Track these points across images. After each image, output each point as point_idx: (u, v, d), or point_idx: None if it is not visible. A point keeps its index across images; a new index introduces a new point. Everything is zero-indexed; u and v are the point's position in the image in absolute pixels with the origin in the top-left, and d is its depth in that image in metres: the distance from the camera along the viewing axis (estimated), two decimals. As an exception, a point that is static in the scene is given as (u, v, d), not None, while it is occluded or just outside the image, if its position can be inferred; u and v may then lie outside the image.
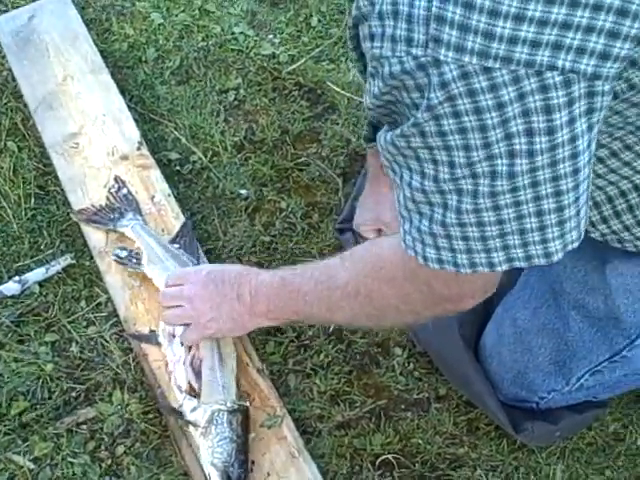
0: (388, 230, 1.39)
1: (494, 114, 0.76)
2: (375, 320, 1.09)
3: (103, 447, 1.24)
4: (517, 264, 0.86)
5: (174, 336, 1.26)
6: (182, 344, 1.24)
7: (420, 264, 0.89)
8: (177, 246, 1.39)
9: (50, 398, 1.28)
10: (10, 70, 1.65)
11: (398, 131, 0.82)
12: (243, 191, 1.56)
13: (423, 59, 0.75)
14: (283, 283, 1.13)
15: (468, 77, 0.74)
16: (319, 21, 1.86)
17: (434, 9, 0.74)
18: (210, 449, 1.15)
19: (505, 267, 0.86)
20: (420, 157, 0.82)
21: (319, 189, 1.56)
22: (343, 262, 1.06)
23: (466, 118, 0.76)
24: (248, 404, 1.21)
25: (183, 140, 1.61)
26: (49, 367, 1.31)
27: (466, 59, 0.74)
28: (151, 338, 1.29)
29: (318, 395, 1.32)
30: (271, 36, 1.82)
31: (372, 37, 0.79)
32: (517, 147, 0.78)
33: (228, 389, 1.21)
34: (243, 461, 1.15)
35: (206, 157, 1.59)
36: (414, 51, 0.75)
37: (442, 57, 0.74)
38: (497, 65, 0.74)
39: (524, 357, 1.21)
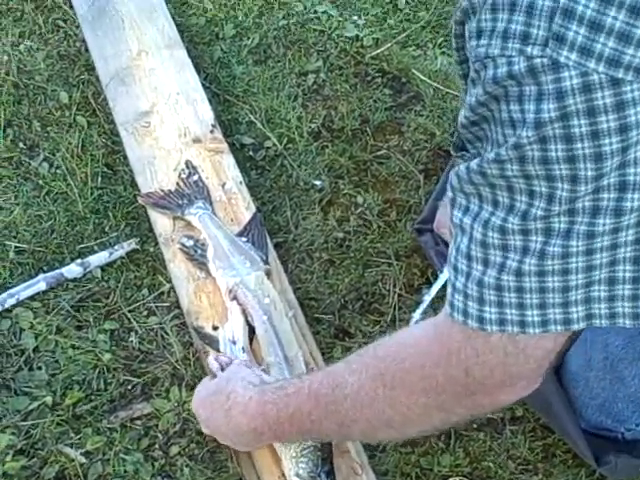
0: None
1: (614, 139, 0.65)
2: (398, 428, 0.90)
3: (157, 445, 1.18)
4: (597, 322, 0.75)
5: (235, 343, 1.19)
6: (244, 350, 1.18)
7: (469, 330, 0.77)
8: (245, 239, 1.32)
9: (106, 390, 1.23)
10: (84, 41, 1.60)
11: (491, 155, 0.71)
12: (318, 182, 1.47)
13: (538, 60, 0.64)
14: (278, 408, 0.97)
15: (590, 89, 0.63)
16: (407, 3, 1.76)
17: (563, 1, 0.63)
18: (294, 460, 1.07)
19: (582, 325, 0.75)
20: (514, 188, 0.71)
21: (398, 185, 1.47)
22: (349, 366, 0.92)
23: (579, 145, 0.65)
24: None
25: (258, 124, 1.54)
26: (107, 357, 1.25)
27: (591, 65, 0.63)
28: (212, 341, 1.22)
29: (385, 407, 1.23)
30: (355, 17, 1.72)
31: (479, 34, 0.69)
32: (631, 178, 0.67)
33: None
34: (330, 471, 1.08)
35: (281, 144, 1.52)
36: (529, 50, 0.65)
37: (563, 59, 0.63)
38: (629, 77, 0.63)
39: (614, 386, 1.10)
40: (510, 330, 0.76)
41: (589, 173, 0.66)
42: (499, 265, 0.74)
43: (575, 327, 0.75)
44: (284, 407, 0.97)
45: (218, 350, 1.21)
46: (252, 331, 1.22)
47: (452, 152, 0.91)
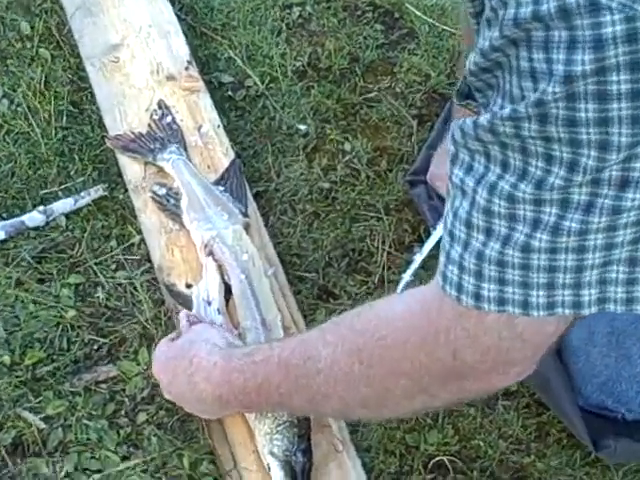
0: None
1: None
2: (374, 409, 0.82)
3: (123, 412, 1.09)
4: (611, 307, 0.67)
5: (210, 303, 1.10)
6: (219, 312, 1.08)
7: (461, 307, 0.68)
8: (222, 189, 1.21)
9: (69, 350, 1.13)
10: (47, -35, 1.45)
11: (506, 111, 0.60)
12: (302, 126, 1.36)
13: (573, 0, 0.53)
14: (244, 377, 0.88)
15: (637, 39, 0.53)
16: None
17: None
18: (268, 436, 0.99)
19: (593, 309, 0.67)
20: (529, 151, 0.61)
21: (390, 131, 1.36)
22: (323, 336, 0.82)
23: (615, 105, 0.55)
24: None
25: (238, 61, 1.41)
26: (70, 313, 1.15)
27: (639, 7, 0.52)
28: (186, 300, 1.12)
29: (370, 374, 1.15)
30: (346, -56, 1.58)
31: None
32: None
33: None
34: (306, 448, 0.99)
35: (263, 83, 1.40)
36: None
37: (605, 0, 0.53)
38: None
39: (619, 364, 1.02)
40: (511, 311, 0.67)
41: (623, 139, 0.56)
42: (504, 237, 0.65)
43: (585, 312, 0.67)
44: (251, 376, 0.88)
45: (189, 309, 1.11)
46: (228, 291, 1.13)
47: (455, 100, 0.80)
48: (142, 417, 1.09)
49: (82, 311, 1.16)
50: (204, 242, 1.16)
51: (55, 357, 1.13)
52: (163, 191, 1.22)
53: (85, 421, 1.08)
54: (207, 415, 1.02)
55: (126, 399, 1.10)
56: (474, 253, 0.67)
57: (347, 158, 1.33)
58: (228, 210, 1.19)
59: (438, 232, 1.23)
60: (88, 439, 1.07)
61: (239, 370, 0.89)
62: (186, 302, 1.13)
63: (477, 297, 0.67)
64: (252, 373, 0.88)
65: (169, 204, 1.21)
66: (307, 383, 0.82)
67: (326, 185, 1.31)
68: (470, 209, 0.66)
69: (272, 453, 0.98)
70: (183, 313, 1.08)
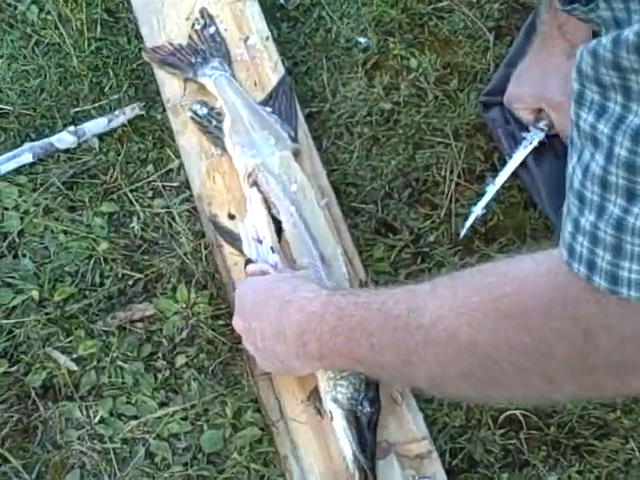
0: (553, 113, 1.04)
1: None
2: (475, 384, 0.68)
3: (160, 354, 0.99)
4: None
5: (260, 242, 0.98)
6: (273, 250, 0.97)
7: (592, 288, 0.55)
8: (270, 109, 1.08)
9: (102, 285, 1.03)
10: None
11: None
12: (362, 39, 1.21)
13: None
14: (341, 314, 0.77)
15: None
16: None
17: None
18: (332, 381, 0.88)
19: None
20: None
21: (462, 46, 1.20)
22: (434, 289, 0.69)
23: None
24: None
25: (291, -36, 1.25)
26: (103, 246, 1.05)
27: None
28: (232, 236, 1.01)
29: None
30: None
31: None
32: None
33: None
34: (374, 398, 0.89)
35: (319, -10, 1.24)
36: None
37: None
38: None
39: None
40: None
41: None
42: None
43: None
44: (347, 316, 0.76)
45: (241, 250, 1.00)
46: (279, 226, 1.01)
47: (558, 5, 0.64)
48: (181, 360, 0.99)
49: (116, 243, 1.06)
50: (248, 171, 1.03)
51: (87, 293, 1.03)
52: (204, 111, 1.10)
53: (120, 363, 0.98)
54: (268, 358, 0.90)
55: (163, 340, 1.00)
56: (612, 222, 0.53)
57: (412, 76, 1.18)
58: (275, 134, 1.06)
59: (515, 161, 1.08)
60: (123, 383, 0.97)
61: (338, 306, 0.77)
62: (232, 238, 1.01)
63: (614, 279, 0.53)
64: (349, 313, 0.76)
65: (210, 126, 1.08)
66: (404, 338, 0.69)
67: (387, 106, 1.16)
68: (606, 164, 0.52)
69: (335, 400, 0.87)
70: (249, 266, 0.97)
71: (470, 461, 0.94)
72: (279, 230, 1.00)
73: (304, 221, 1.00)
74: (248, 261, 0.98)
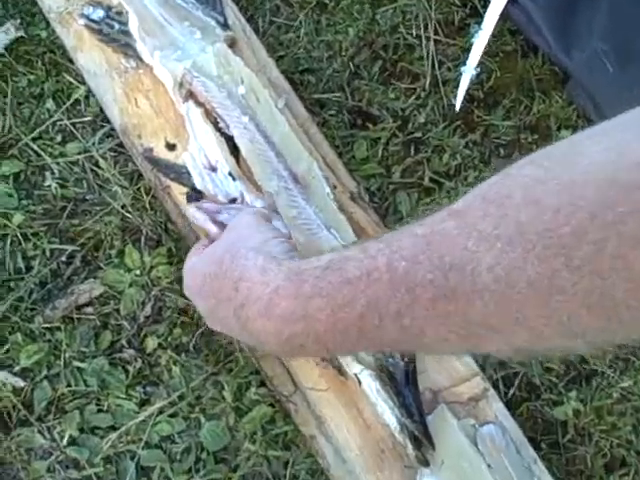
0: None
1: None
2: (585, 334, 0.43)
3: (124, 341, 0.79)
4: None
5: (214, 170, 0.75)
6: (233, 177, 0.74)
7: None
8: (187, -6, 0.83)
9: (29, 270, 0.81)
10: None
11: None
12: None
13: None
14: (333, 304, 0.52)
15: None
16: None
17: None
18: None
19: None
20: None
21: None
22: (486, 206, 0.45)
23: None
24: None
25: None
26: (17, 218, 0.81)
27: None
28: (177, 170, 0.78)
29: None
30: None
31: None
32: None
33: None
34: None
35: None
36: None
37: None
38: None
39: None
40: None
41: None
42: None
43: None
44: (346, 302, 0.52)
45: (192, 186, 0.77)
46: (233, 145, 0.78)
47: None
48: (152, 342, 0.79)
49: (32, 211, 0.82)
50: (177, 80, 0.79)
51: (12, 285, 0.80)
52: (100, 13, 0.84)
53: (76, 364, 0.78)
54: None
55: (124, 322, 0.80)
56: None
57: None
58: (199, 24, 0.82)
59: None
60: (87, 387, 0.77)
61: (320, 294, 0.54)
62: (177, 173, 0.79)
63: None
64: (347, 298, 0.52)
65: (113, 31, 0.83)
66: (456, 303, 0.46)
67: (329, -42, 0.91)
68: None
69: (360, 360, 0.68)
70: (192, 209, 0.73)
71: (529, 386, 0.78)
72: (234, 149, 0.78)
73: (263, 133, 0.78)
74: (189, 196, 0.77)
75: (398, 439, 0.69)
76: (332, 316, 0.53)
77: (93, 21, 0.83)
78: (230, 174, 0.76)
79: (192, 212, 0.73)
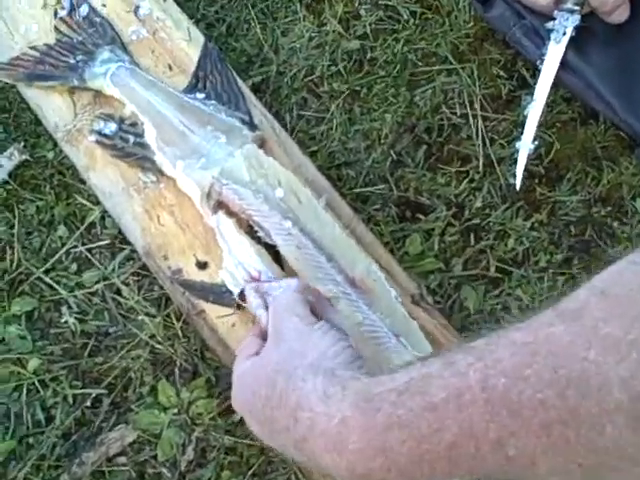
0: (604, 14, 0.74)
1: None
2: None
3: (168, 494, 0.67)
4: None
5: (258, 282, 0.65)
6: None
7: None
8: (203, 96, 0.75)
9: (50, 421, 0.70)
10: None
11: None
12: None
13: None
14: (417, 434, 0.42)
15: None
16: None
17: None
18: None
19: None
20: None
21: None
22: (610, 304, 0.38)
23: None
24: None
25: None
26: (33, 363, 0.71)
27: None
28: (215, 291, 0.68)
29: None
30: None
31: None
32: None
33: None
34: None
35: None
36: None
37: None
38: None
39: None
40: None
41: None
42: None
43: None
44: (432, 433, 0.42)
45: (236, 304, 0.67)
46: (274, 253, 0.68)
47: None
48: (200, 490, 0.67)
49: (49, 353, 0.72)
50: (205, 190, 0.70)
51: (31, 441, 0.69)
52: (112, 127, 0.75)
53: (114, 528, 0.66)
54: None
55: (164, 469, 0.68)
56: None
57: (373, -7, 0.85)
58: (223, 126, 0.73)
59: (550, 63, 0.77)
60: None
61: (400, 424, 0.43)
62: (215, 294, 0.69)
63: None
64: (433, 427, 0.42)
65: (128, 145, 0.74)
66: (577, 428, 0.37)
67: (353, 44, 0.84)
68: None
69: None
70: (249, 290, 0.65)
71: None
72: (276, 258, 0.68)
73: (309, 236, 0.68)
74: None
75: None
76: (416, 448, 0.43)
77: (105, 136, 0.75)
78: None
79: (248, 293, 0.64)
